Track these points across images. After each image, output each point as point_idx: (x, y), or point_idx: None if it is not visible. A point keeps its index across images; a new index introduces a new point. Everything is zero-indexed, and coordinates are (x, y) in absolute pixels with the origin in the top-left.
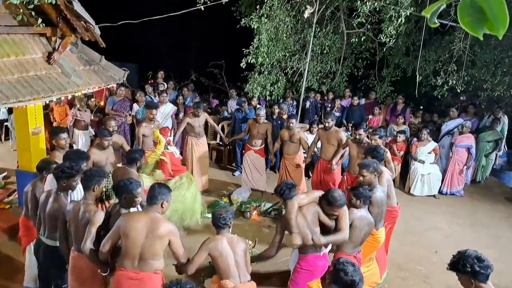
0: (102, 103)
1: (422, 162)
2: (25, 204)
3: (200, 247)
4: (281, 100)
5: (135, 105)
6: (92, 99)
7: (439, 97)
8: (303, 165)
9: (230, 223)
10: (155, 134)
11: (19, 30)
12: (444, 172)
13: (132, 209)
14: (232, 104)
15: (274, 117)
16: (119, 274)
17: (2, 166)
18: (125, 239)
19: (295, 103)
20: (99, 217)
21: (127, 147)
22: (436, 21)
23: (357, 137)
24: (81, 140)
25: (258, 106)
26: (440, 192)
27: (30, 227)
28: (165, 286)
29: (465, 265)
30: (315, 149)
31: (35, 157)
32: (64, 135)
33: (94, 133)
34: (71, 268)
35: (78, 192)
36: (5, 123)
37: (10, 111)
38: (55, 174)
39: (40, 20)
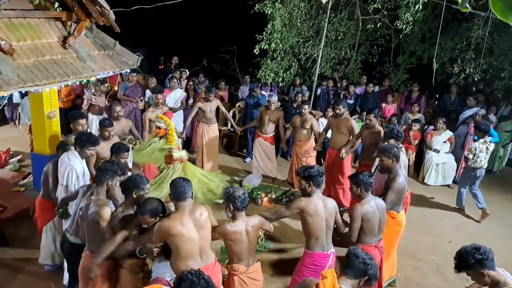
0: (116, 88)
1: (437, 151)
2: (43, 185)
3: (218, 231)
4: (291, 88)
5: (147, 91)
6: (106, 84)
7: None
8: (314, 152)
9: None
10: (160, 116)
11: (35, 14)
12: (458, 162)
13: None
14: (244, 90)
15: (295, 105)
16: None
17: (17, 149)
18: (181, 243)
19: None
20: (106, 212)
21: (136, 132)
22: (468, 6)
23: (367, 122)
24: (95, 124)
25: (270, 93)
26: (454, 181)
27: (46, 208)
28: (181, 275)
29: (467, 259)
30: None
31: (50, 140)
32: (83, 121)
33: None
34: (81, 267)
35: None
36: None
37: (22, 95)
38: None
39: (56, 4)
